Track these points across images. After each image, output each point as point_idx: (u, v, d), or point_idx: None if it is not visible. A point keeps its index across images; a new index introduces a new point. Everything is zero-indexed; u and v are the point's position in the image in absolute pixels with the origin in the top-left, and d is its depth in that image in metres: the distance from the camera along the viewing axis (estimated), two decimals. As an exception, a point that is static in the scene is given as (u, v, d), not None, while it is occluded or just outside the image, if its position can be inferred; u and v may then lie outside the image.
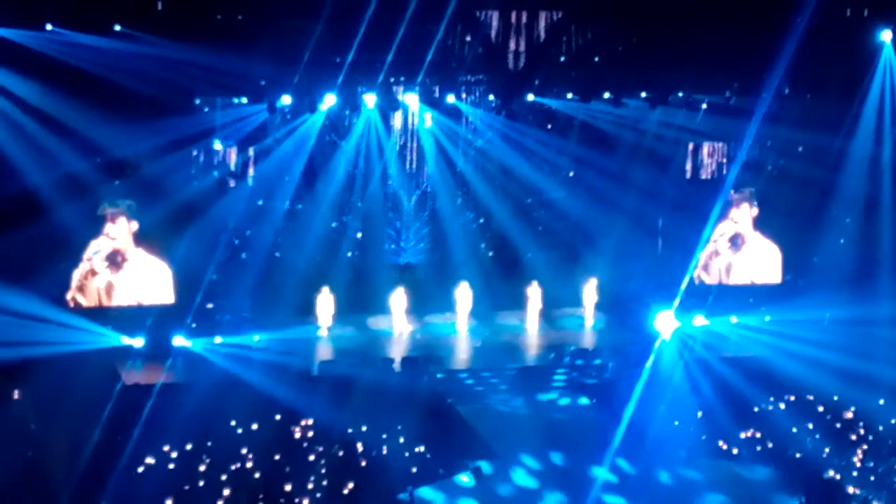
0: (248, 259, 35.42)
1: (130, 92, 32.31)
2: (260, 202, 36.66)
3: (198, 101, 35.39)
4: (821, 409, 29.35)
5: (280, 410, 27.92)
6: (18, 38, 32.15)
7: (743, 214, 38.67)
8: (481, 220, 39.07)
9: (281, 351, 32.85)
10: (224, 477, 25.00)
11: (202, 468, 25.30)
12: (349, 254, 38.00)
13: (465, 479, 26.42)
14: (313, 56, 33.87)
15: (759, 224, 38.77)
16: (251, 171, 37.00)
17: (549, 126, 39.19)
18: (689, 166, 40.44)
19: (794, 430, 28.17)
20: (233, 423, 27.13)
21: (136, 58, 32.44)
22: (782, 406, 29.60)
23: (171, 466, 25.34)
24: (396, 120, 38.08)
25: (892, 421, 28.29)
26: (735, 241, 38.68)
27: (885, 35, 36.68)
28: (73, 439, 26.11)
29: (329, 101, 35.56)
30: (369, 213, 38.36)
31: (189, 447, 25.91)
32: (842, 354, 31.35)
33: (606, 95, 37.90)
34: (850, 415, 28.95)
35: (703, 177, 40.39)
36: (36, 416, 27.67)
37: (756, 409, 29.42)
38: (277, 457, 25.93)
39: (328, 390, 29.46)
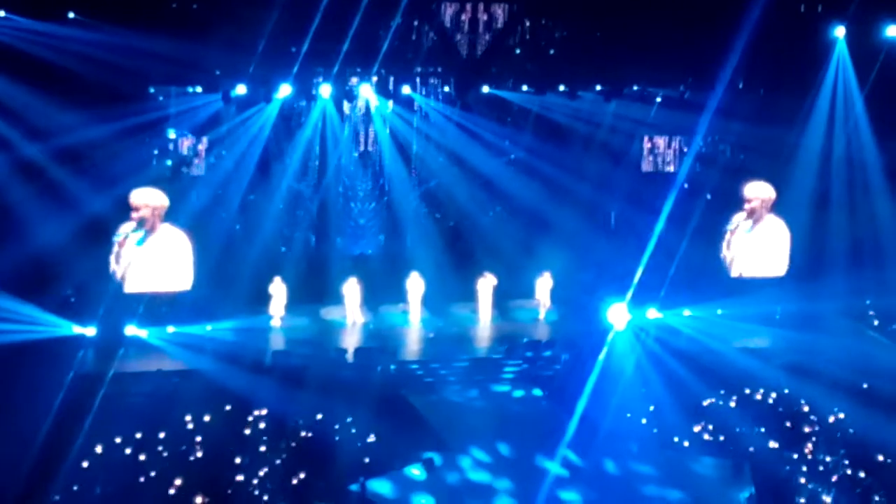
0: (201, 248, 35.16)
1: (84, 79, 32.13)
2: (213, 191, 36.51)
3: (152, 90, 35.27)
4: (771, 401, 29.54)
5: (232, 400, 27.78)
6: (-30, 25, 31.99)
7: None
8: (436, 212, 39.08)
9: (233, 341, 32.74)
10: (175, 467, 24.93)
11: (153, 458, 25.21)
12: (303, 244, 37.99)
13: (416, 471, 26.45)
14: (268, 46, 33.77)
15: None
16: (205, 161, 36.91)
17: (504, 118, 39.25)
18: (643, 159, 40.68)
19: (746, 423, 28.33)
20: (184, 413, 27.01)
21: (90, 45, 32.25)
22: (733, 401, 29.73)
23: (122, 456, 25.24)
24: (351, 109, 38.10)
25: (841, 414, 28.49)
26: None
27: (839, 31, 36.92)
28: (23, 430, 25.91)
29: (284, 90, 35.48)
30: (324, 203, 38.34)
31: (139, 436, 25.81)
32: (793, 348, 31.67)
33: (561, 88, 38.01)
34: (801, 408, 29.14)
35: (657, 170, 40.66)
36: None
37: (707, 403, 29.54)
38: (229, 447, 25.86)
39: (280, 380, 29.40)
